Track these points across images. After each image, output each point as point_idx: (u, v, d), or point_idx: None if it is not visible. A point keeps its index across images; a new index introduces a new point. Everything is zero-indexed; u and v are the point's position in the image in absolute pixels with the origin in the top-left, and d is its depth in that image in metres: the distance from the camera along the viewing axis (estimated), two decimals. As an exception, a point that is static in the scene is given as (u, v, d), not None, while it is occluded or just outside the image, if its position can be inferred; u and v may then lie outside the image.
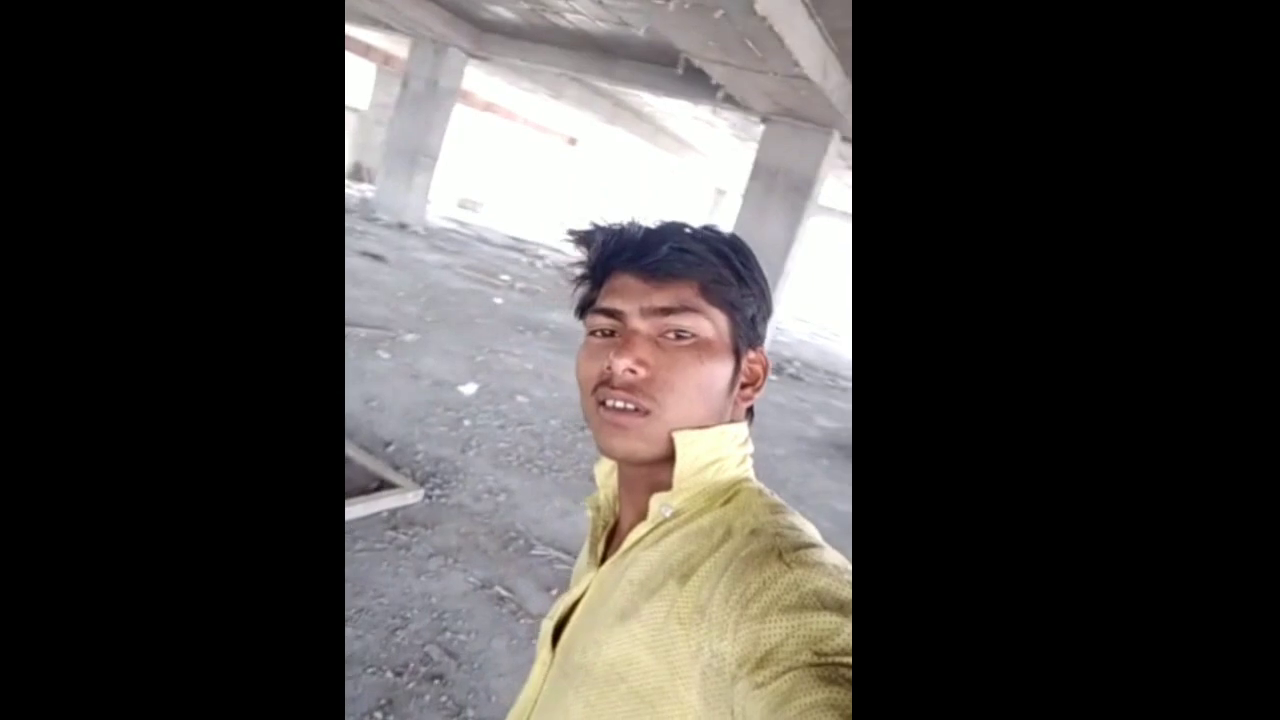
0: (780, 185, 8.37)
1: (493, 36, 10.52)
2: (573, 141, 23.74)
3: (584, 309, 0.65)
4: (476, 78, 14.02)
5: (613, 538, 0.66)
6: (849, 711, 0.38)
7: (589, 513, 0.69)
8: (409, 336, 5.47)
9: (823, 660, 0.42)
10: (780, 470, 5.01)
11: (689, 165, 20.41)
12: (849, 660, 0.41)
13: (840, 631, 0.43)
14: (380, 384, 4.35)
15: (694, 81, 8.51)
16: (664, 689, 0.51)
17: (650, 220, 0.64)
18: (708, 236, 0.62)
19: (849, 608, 0.44)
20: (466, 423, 4.13)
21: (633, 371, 0.57)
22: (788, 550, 0.49)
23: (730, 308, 0.60)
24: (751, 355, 0.63)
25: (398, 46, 13.15)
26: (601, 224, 0.64)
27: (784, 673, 0.42)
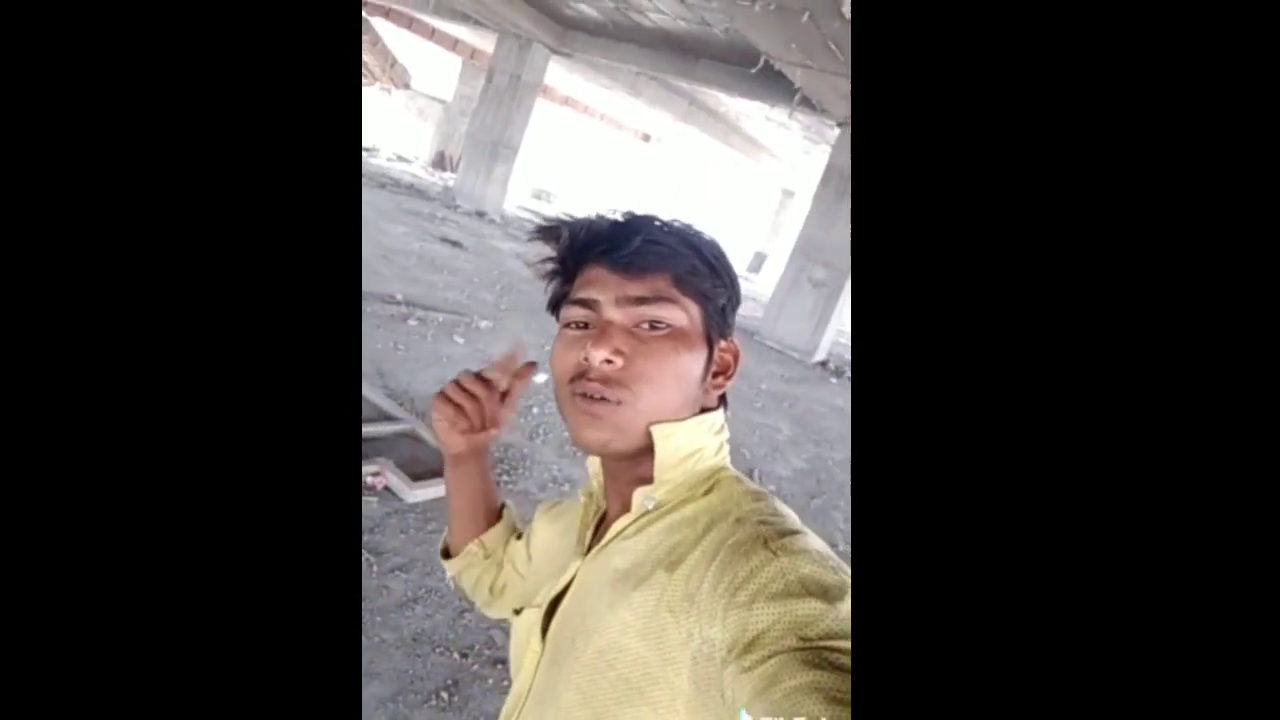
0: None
1: (576, 34, 10.55)
2: (646, 138, 23.71)
3: (557, 303, 0.64)
4: (557, 73, 14.10)
5: (600, 527, 0.66)
6: (833, 694, 0.38)
7: (582, 499, 0.68)
8: (483, 323, 5.54)
9: (807, 645, 0.42)
10: (839, 475, 4.90)
11: (759, 166, 20.16)
12: (833, 644, 0.42)
13: (824, 617, 0.43)
14: (455, 369, 4.39)
15: (772, 83, 8.37)
16: (654, 675, 0.50)
17: (617, 213, 0.63)
18: (678, 229, 0.62)
19: (833, 593, 0.45)
20: (535, 410, 4.16)
21: (609, 362, 0.56)
22: (773, 538, 0.49)
23: (703, 298, 0.60)
24: (723, 344, 0.63)
25: (484, 41, 13.32)
26: (567, 219, 0.63)
27: (770, 657, 0.42)
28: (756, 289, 15.97)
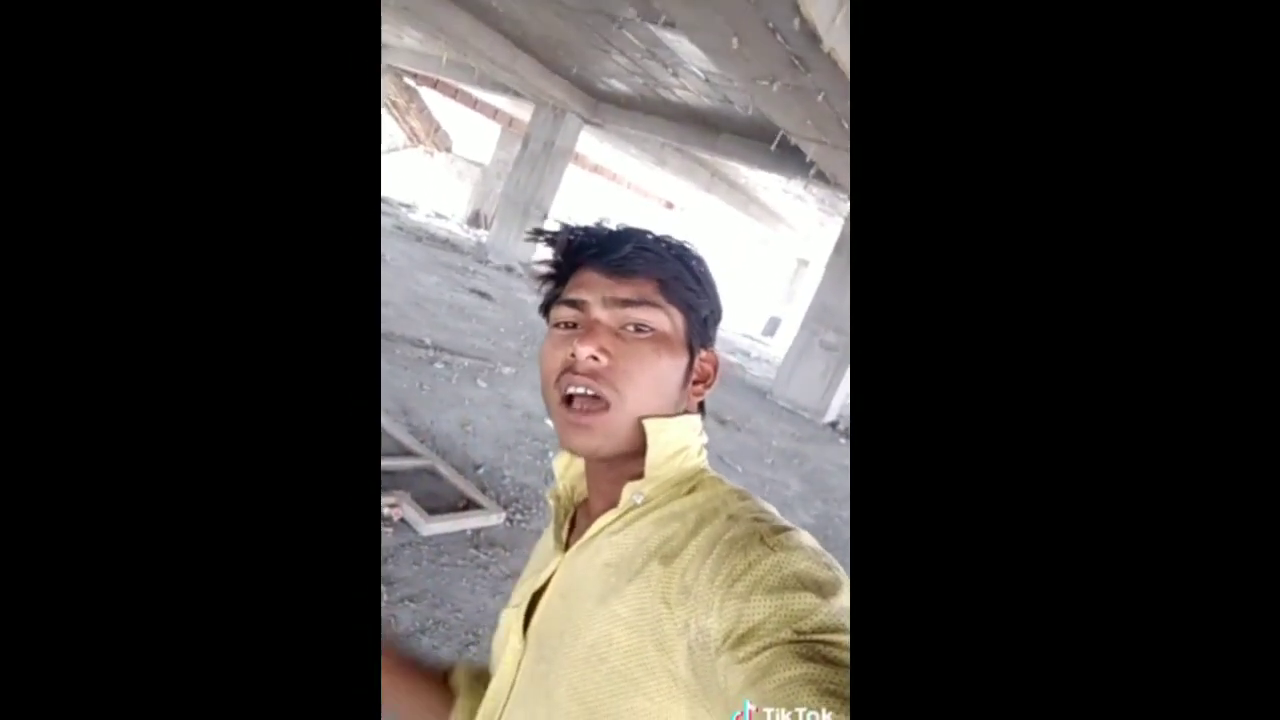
0: (864, 259, 8.23)
1: (607, 106, 10.89)
2: (670, 205, 24.17)
3: (548, 305, 0.64)
4: (588, 142, 14.51)
5: (574, 525, 0.65)
6: (826, 686, 0.38)
7: (550, 502, 0.67)
8: (506, 369, 5.57)
9: (801, 638, 0.42)
10: (845, 532, 4.80)
11: (776, 235, 20.41)
12: (826, 638, 0.42)
13: (818, 611, 0.43)
14: (476, 411, 4.42)
15: (788, 157, 8.54)
16: (649, 665, 0.49)
17: (612, 223, 0.64)
18: (669, 242, 0.63)
19: (826, 588, 0.45)
20: (551, 454, 4.14)
21: (595, 359, 0.57)
22: (769, 534, 0.49)
23: (686, 306, 0.61)
24: (703, 354, 0.63)
25: (522, 111, 13.78)
26: (568, 225, 0.64)
27: (764, 649, 0.42)
28: (770, 352, 15.96)
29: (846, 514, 5.15)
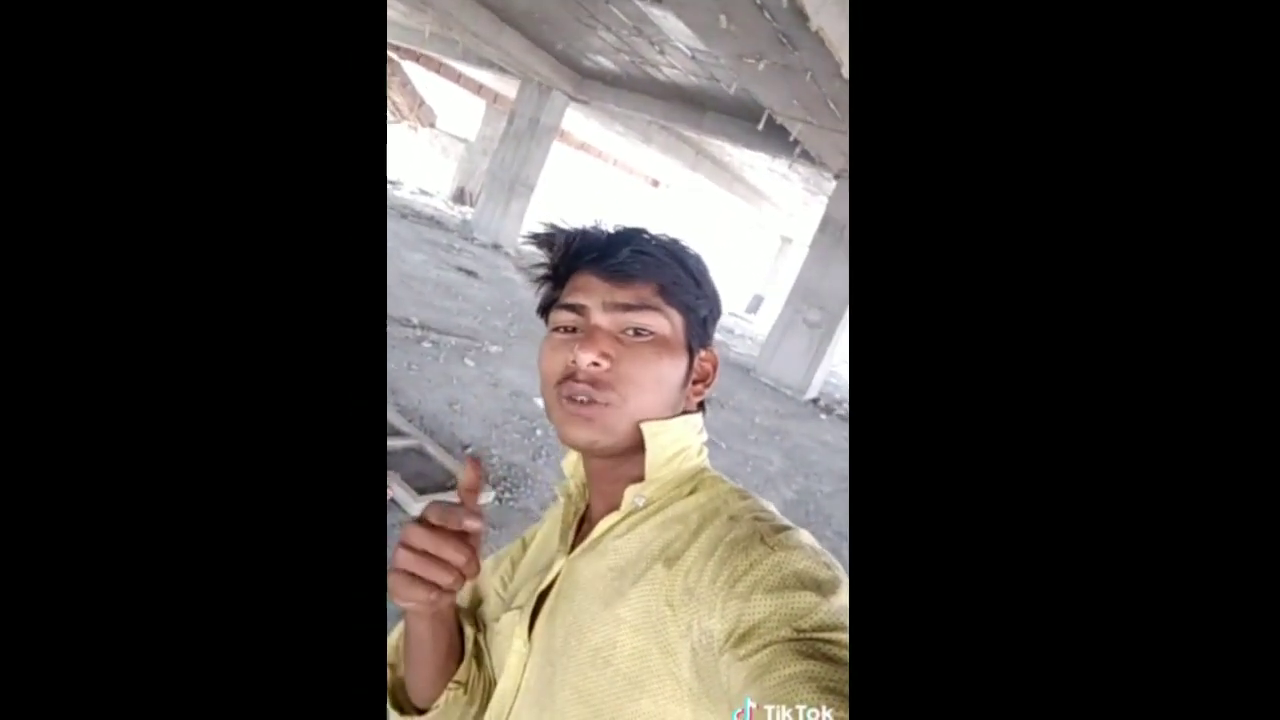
0: (846, 239, 8.25)
1: (593, 83, 10.75)
2: (656, 183, 24.01)
3: (546, 307, 0.64)
4: (574, 119, 14.32)
5: (581, 525, 0.64)
6: (825, 683, 0.39)
7: (560, 498, 0.67)
8: (494, 348, 5.55)
9: (801, 636, 0.42)
10: (826, 506, 4.86)
11: (761, 213, 20.36)
12: (825, 636, 0.42)
13: (818, 609, 0.44)
14: (464, 390, 4.41)
15: (774, 136, 8.49)
16: (653, 668, 0.50)
17: (610, 224, 0.63)
18: (666, 243, 0.62)
19: (826, 587, 0.45)
20: (539, 433, 4.15)
21: (596, 364, 0.56)
22: (769, 534, 0.49)
23: (686, 308, 0.60)
24: (703, 354, 0.63)
25: (507, 87, 13.56)
26: (563, 227, 0.63)
27: (765, 646, 0.42)
28: (754, 329, 15.99)
29: (827, 489, 5.22)
